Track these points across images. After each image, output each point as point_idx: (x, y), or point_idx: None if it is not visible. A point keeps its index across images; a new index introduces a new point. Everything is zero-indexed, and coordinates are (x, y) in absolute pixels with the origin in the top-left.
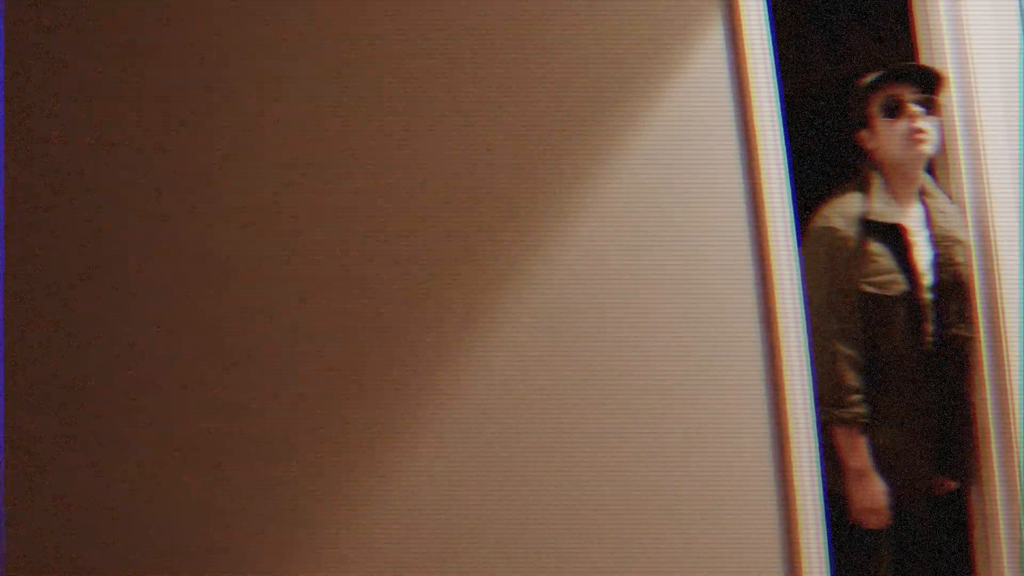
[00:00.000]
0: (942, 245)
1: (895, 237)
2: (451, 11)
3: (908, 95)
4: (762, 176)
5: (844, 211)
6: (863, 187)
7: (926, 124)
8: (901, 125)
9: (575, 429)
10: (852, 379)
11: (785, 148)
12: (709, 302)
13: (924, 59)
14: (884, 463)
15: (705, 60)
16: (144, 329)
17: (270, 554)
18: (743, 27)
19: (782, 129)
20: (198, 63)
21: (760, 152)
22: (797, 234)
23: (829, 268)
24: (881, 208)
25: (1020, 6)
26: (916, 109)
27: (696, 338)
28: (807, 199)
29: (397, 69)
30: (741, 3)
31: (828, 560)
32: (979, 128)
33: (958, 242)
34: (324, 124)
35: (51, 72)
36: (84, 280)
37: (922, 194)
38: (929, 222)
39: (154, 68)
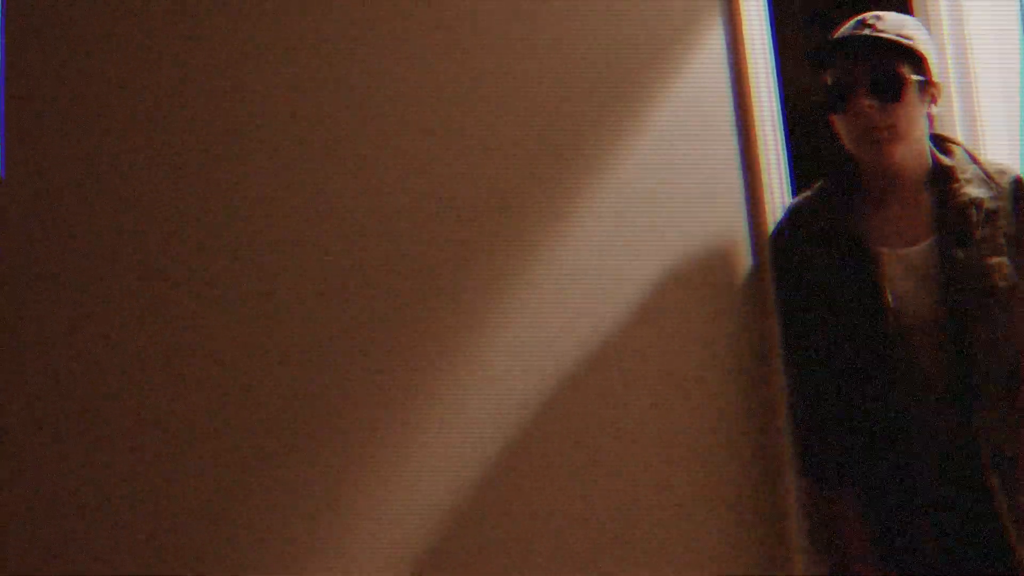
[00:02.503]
0: (965, 258)
1: (856, 251)
2: (450, 11)
3: (860, 79)
4: (762, 176)
5: (797, 215)
6: (832, 180)
7: (885, 118)
8: (852, 119)
9: (576, 427)
10: (814, 425)
11: (786, 148)
12: (709, 302)
13: None
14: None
15: (705, 60)
16: (141, 327)
17: (267, 554)
18: (743, 27)
19: (782, 129)
20: (197, 61)
21: (760, 152)
22: None
23: (775, 288)
24: (835, 210)
25: (1020, 6)
26: (868, 101)
27: (697, 337)
28: None
29: (395, 68)
30: (741, 3)
31: None
32: (979, 128)
33: (997, 253)
34: (323, 124)
35: (51, 71)
36: (81, 278)
37: (947, 178)
38: (945, 225)
39: (154, 67)
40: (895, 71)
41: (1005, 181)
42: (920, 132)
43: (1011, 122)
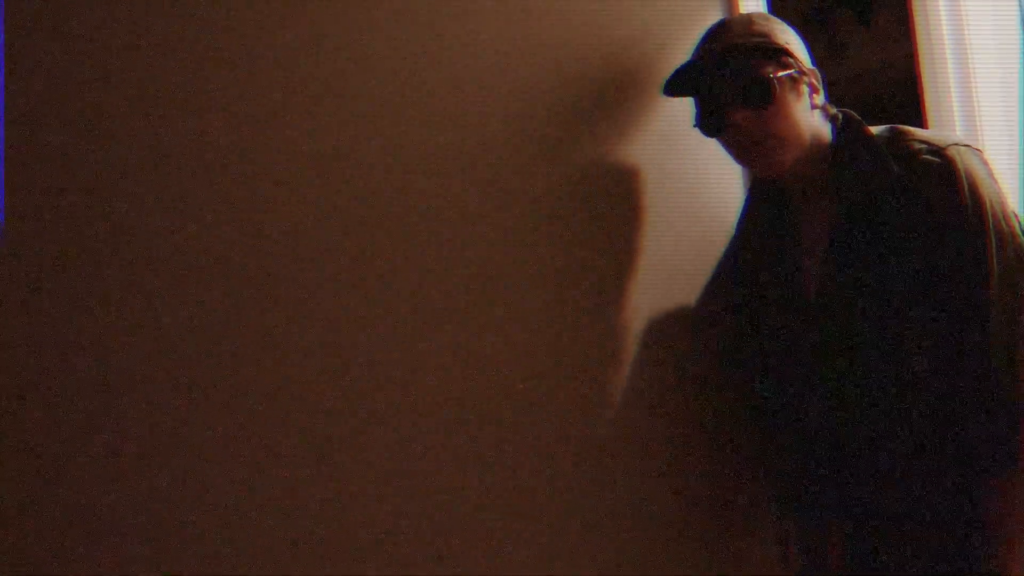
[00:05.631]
0: (835, 275)
1: (781, 259)
2: (450, 10)
3: (726, 93)
4: None
5: (743, 225)
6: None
7: (763, 126)
8: (732, 137)
9: (576, 427)
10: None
11: None
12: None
13: (924, 59)
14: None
15: None
16: (136, 328)
17: (266, 553)
18: None
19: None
20: (197, 61)
21: None
22: None
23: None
24: (769, 217)
25: (1020, 6)
26: (741, 114)
27: (698, 338)
28: None
29: (395, 67)
30: (741, 3)
31: None
32: (979, 128)
33: (883, 262)
34: (323, 124)
35: (51, 72)
36: (78, 279)
37: (839, 180)
38: (834, 235)
39: (153, 67)
40: (758, 73)
41: (926, 163)
42: (809, 131)
43: (1010, 121)
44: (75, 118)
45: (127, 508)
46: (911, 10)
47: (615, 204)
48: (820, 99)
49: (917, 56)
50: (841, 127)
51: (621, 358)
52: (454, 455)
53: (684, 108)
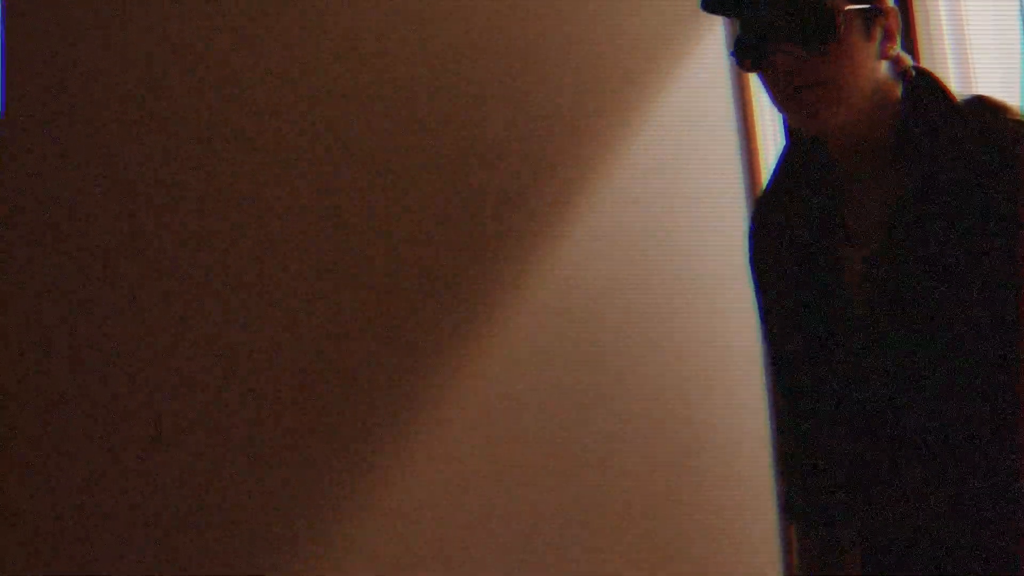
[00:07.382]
0: (896, 269)
1: (813, 247)
2: (451, 13)
3: (775, 20)
4: (763, 175)
5: (759, 206)
6: (794, 153)
7: (814, 72)
8: (771, 78)
9: (575, 428)
10: (782, 444)
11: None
12: (708, 303)
13: (924, 59)
14: None
15: (705, 60)
16: (138, 327)
17: (267, 553)
18: None
19: (783, 128)
20: (193, 61)
21: (760, 151)
22: None
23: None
24: (795, 195)
25: (1020, 6)
26: (788, 49)
27: (695, 339)
28: None
29: (397, 68)
30: None
31: None
32: None
33: (955, 256)
34: (322, 123)
35: (51, 71)
36: (77, 278)
37: (918, 148)
38: (897, 217)
39: (150, 67)
40: (821, 2)
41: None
42: (873, 84)
43: None
44: (73, 119)
45: (126, 507)
46: (911, 10)
47: (615, 204)
48: (895, 49)
49: (917, 56)
50: (914, 85)
51: (621, 358)
52: (453, 455)
53: (684, 106)
